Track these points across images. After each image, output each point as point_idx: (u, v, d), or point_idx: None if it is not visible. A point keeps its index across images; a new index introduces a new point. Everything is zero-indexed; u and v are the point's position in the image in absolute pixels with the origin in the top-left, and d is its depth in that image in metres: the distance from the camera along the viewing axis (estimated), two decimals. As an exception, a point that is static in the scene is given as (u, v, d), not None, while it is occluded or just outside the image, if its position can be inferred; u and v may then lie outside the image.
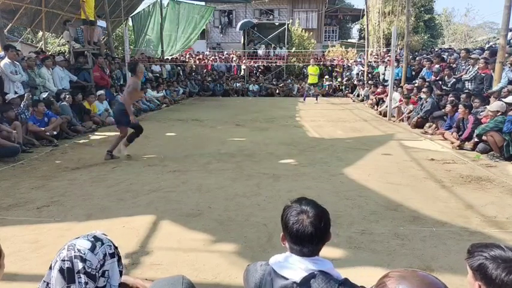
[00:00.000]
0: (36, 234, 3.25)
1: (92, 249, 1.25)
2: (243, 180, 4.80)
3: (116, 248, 1.34)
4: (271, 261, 1.43)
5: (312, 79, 14.78)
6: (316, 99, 14.39)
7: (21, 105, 6.95)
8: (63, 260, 1.23)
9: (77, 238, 1.30)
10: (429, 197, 4.15)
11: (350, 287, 1.35)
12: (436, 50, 18.32)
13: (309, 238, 1.35)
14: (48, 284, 1.24)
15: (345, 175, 5.00)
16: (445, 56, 12.05)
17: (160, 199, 4.11)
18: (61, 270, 1.22)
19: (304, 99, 14.59)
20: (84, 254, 1.23)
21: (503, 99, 6.39)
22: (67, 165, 5.57)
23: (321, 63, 18.74)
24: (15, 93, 7.18)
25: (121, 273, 1.34)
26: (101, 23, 13.62)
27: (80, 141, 7.38)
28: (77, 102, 8.69)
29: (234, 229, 3.35)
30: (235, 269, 2.68)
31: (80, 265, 1.22)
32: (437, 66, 10.48)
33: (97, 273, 1.24)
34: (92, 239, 1.29)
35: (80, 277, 1.21)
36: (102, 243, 1.29)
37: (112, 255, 1.30)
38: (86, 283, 1.21)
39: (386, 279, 1.01)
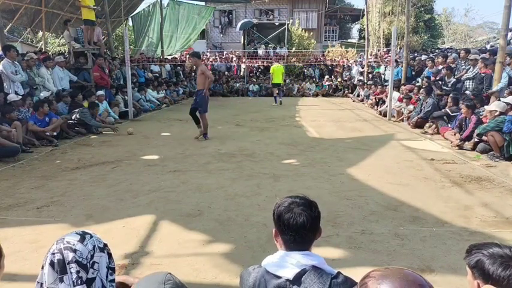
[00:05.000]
0: (36, 234, 3.26)
1: (81, 240, 1.26)
2: (243, 180, 4.80)
3: (105, 245, 1.34)
4: (263, 263, 1.45)
5: (277, 79, 13.69)
6: (280, 102, 13.37)
7: (23, 110, 6.97)
8: (53, 253, 1.23)
9: (65, 235, 1.30)
10: (429, 197, 4.15)
11: (343, 281, 1.35)
12: (437, 49, 18.31)
13: (301, 225, 1.39)
14: (42, 284, 1.23)
15: (345, 175, 5.00)
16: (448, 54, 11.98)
17: (160, 199, 4.11)
18: (52, 263, 1.21)
19: (276, 102, 13.51)
20: (74, 244, 1.23)
21: (503, 99, 6.38)
22: (67, 165, 5.56)
23: (321, 63, 18.78)
24: (16, 93, 7.18)
25: (113, 270, 1.34)
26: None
27: (80, 141, 7.38)
28: (77, 102, 8.68)
29: (234, 229, 3.35)
30: (235, 269, 2.68)
31: (70, 255, 1.21)
32: (440, 67, 10.40)
33: (88, 264, 1.23)
34: (81, 233, 1.29)
35: (72, 267, 1.21)
36: (91, 236, 1.30)
37: (101, 250, 1.30)
38: (78, 272, 1.21)
39: (367, 279, 0.98)
